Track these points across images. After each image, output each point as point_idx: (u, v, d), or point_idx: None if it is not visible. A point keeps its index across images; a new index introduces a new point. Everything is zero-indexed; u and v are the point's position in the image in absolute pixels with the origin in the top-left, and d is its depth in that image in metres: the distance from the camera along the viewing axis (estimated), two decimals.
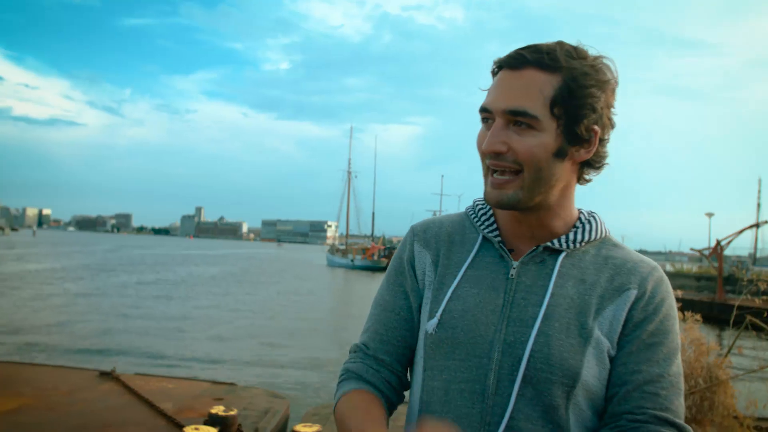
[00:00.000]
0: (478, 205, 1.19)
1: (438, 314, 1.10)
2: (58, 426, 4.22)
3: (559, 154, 1.02)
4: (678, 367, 1.05)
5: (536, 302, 1.06)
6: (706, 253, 25.51)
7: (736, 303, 5.19)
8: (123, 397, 4.97)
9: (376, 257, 60.63)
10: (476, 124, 1.10)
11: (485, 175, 1.07)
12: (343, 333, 16.69)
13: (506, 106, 1.00)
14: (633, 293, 1.05)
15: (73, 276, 30.87)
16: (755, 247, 50.33)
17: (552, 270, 1.07)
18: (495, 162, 1.03)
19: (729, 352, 4.83)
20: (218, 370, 10.21)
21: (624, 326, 1.05)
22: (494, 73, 1.07)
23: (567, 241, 1.09)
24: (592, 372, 1.03)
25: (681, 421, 1.02)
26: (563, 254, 1.08)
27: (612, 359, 1.06)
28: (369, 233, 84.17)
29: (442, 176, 79.89)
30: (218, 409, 3.93)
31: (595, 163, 1.08)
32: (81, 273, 33.16)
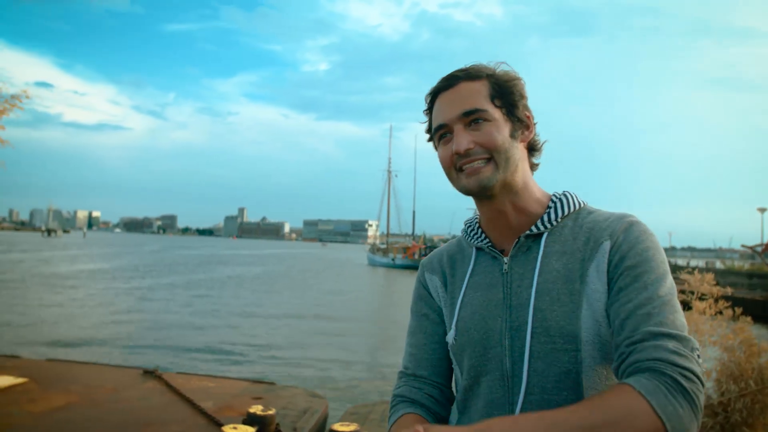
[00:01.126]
0: (467, 224, 1.34)
1: (453, 324, 1.24)
2: (103, 423, 4.32)
3: (513, 135, 1.18)
4: (669, 287, 1.08)
5: (529, 284, 1.16)
6: (759, 249, 24.63)
7: None
8: (165, 395, 5.06)
9: (416, 256, 60.51)
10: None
11: (455, 178, 1.20)
12: (384, 332, 16.70)
13: (460, 111, 1.17)
14: (607, 244, 1.13)
15: (124, 276, 31.77)
16: None
17: (538, 253, 1.18)
18: (466, 160, 1.16)
19: None
20: (258, 369, 10.33)
21: (608, 274, 1.11)
22: (431, 102, 1.24)
23: (544, 222, 1.20)
24: (593, 331, 1.10)
25: (678, 332, 1.02)
26: (545, 235, 1.19)
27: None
28: (410, 232, 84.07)
29: None
30: (257, 409, 3.96)
31: (536, 144, 1.25)
32: (131, 273, 34.10)
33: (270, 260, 63.93)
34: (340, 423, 4.07)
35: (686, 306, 4.62)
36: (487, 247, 1.24)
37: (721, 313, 4.46)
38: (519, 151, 1.19)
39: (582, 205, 1.23)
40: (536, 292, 1.13)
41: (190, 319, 16.72)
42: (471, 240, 1.29)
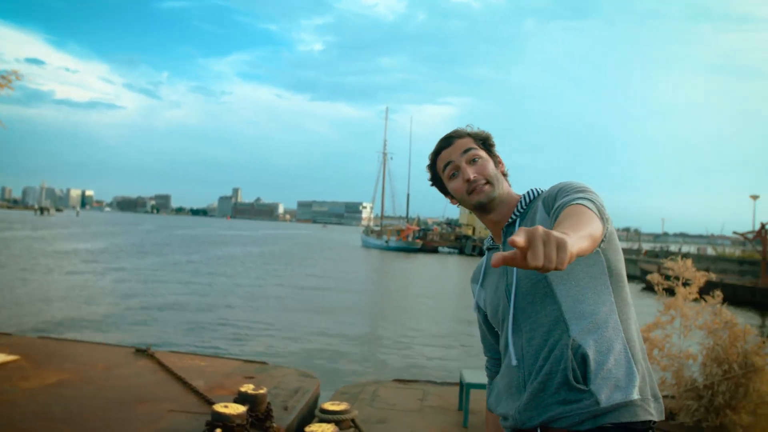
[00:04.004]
0: (486, 241, 1.78)
1: (484, 305, 1.73)
2: (97, 400, 4.36)
3: (496, 166, 1.68)
4: (580, 186, 1.46)
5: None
6: (750, 236, 24.78)
7: None
8: (157, 373, 5.10)
9: (410, 238, 60.56)
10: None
11: (468, 199, 1.65)
12: (377, 314, 16.79)
13: (461, 150, 1.65)
14: (540, 200, 1.56)
15: (120, 254, 31.74)
16: None
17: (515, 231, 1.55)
18: (474, 185, 1.63)
19: None
20: (250, 349, 10.38)
21: (548, 212, 1.50)
22: (434, 160, 1.72)
23: (515, 212, 1.63)
24: None
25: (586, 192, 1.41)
26: (518, 221, 1.61)
27: None
28: (404, 215, 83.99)
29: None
30: (248, 388, 3.99)
31: (506, 174, 1.72)
32: (127, 252, 34.07)
33: (266, 241, 63.92)
34: (331, 402, 4.11)
35: (671, 292, 4.69)
36: (491, 244, 1.73)
37: (703, 298, 4.52)
38: (500, 176, 1.68)
39: (542, 192, 1.62)
40: (515, 269, 1.52)
41: (183, 298, 16.75)
42: (486, 245, 1.76)
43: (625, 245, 65.91)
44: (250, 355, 8.01)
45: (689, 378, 4.38)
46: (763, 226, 22.99)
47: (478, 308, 1.78)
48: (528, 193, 1.67)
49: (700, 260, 33.23)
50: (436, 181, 1.74)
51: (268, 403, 4.00)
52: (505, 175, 1.73)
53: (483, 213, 1.67)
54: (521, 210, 1.62)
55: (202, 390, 4.54)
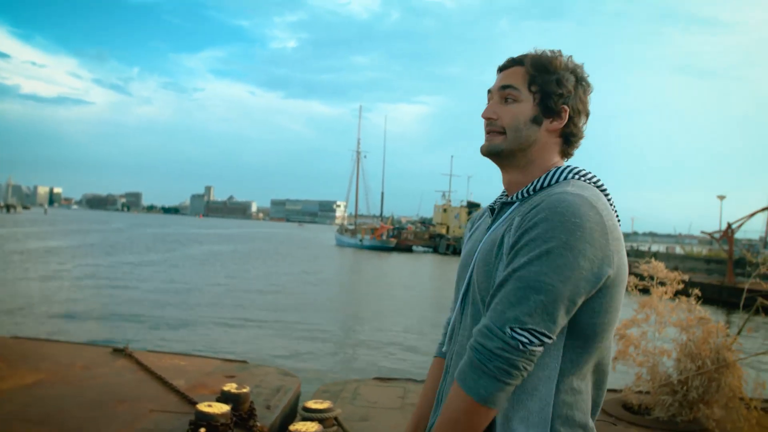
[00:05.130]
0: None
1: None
2: (75, 400, 4.31)
3: (535, 121, 1.35)
4: (530, 273, 1.16)
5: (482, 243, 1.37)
6: (717, 236, 25.37)
7: (746, 286, 5.17)
8: (136, 373, 5.06)
9: (384, 237, 60.65)
10: (485, 103, 1.45)
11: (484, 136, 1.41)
12: (351, 313, 16.80)
13: (500, 84, 1.39)
14: (517, 220, 1.25)
15: (90, 253, 31.21)
16: (767, 231, 49.88)
17: (502, 217, 1.36)
18: (488, 126, 1.38)
19: (740, 332, 4.81)
20: (229, 348, 10.33)
21: (509, 250, 1.24)
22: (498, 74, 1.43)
23: (519, 194, 1.35)
24: None
25: (500, 314, 1.17)
26: (515, 204, 1.33)
27: None
28: (378, 213, 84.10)
29: (452, 157, 79.16)
30: (231, 387, 3.98)
31: (571, 137, 1.39)
32: (100, 250, 33.51)
33: (240, 239, 63.39)
34: (313, 401, 4.13)
35: (646, 291, 4.81)
36: (488, 207, 1.49)
37: (677, 296, 4.65)
38: (538, 134, 1.36)
39: (567, 178, 1.32)
40: (479, 250, 1.35)
41: (158, 296, 16.57)
42: (499, 200, 1.46)
43: None
44: (227, 354, 7.97)
45: (664, 374, 4.49)
46: (729, 225, 23.56)
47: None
48: (554, 171, 1.34)
49: (669, 259, 33.90)
50: None
51: (251, 402, 4.00)
52: (571, 138, 1.39)
53: (496, 163, 1.42)
54: (527, 194, 1.33)
55: (183, 389, 4.51)
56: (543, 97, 1.34)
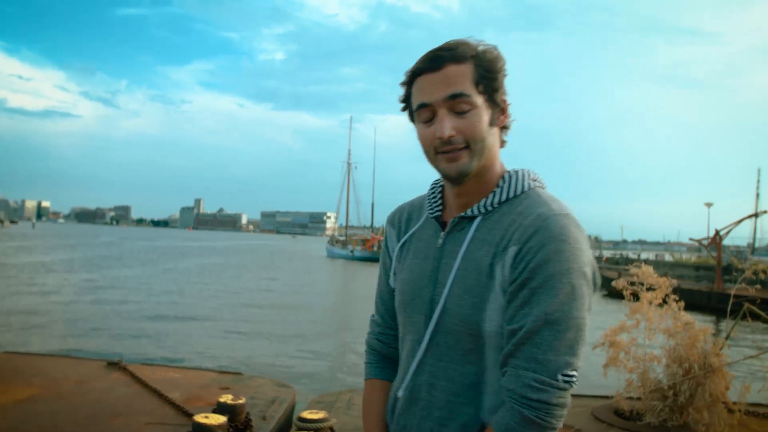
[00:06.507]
0: (432, 186, 1.39)
1: (393, 282, 1.41)
2: (70, 415, 4.30)
3: (491, 123, 1.22)
4: (558, 310, 1.10)
5: (452, 266, 1.24)
6: (705, 243, 25.57)
7: (732, 291, 5.25)
8: (131, 386, 5.05)
9: (375, 248, 60.56)
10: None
11: (434, 159, 1.24)
12: (343, 323, 16.78)
13: (446, 93, 1.17)
14: (513, 250, 1.15)
15: (81, 268, 31.00)
16: (754, 237, 50.40)
17: (467, 235, 1.24)
18: (447, 147, 1.20)
19: (728, 337, 4.88)
20: (223, 360, 10.32)
21: (509, 281, 1.16)
22: (409, 82, 1.25)
23: (480, 207, 1.24)
24: (496, 324, 1.18)
25: (542, 361, 1.11)
26: (478, 219, 1.23)
27: None
28: (368, 224, 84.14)
29: None
30: (227, 398, 4.00)
31: (507, 125, 1.29)
32: (90, 264, 33.29)
33: (231, 252, 63.13)
34: (309, 411, 4.15)
35: (636, 297, 4.88)
36: (433, 218, 1.33)
37: (665, 302, 4.72)
38: (494, 136, 1.24)
39: (530, 187, 1.25)
40: (454, 277, 1.22)
41: (152, 309, 16.52)
42: (429, 206, 1.36)
43: None
44: (221, 366, 7.96)
45: (654, 379, 4.56)
46: (717, 232, 23.76)
47: (390, 261, 1.44)
48: (512, 180, 1.26)
49: (659, 266, 34.13)
50: (408, 106, 1.29)
51: (248, 413, 4.03)
52: (505, 128, 1.29)
53: (448, 182, 1.29)
54: (489, 207, 1.24)
55: (178, 402, 4.52)
56: (491, 94, 1.22)
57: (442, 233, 1.29)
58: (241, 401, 4.02)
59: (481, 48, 1.21)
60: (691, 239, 29.34)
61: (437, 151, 1.21)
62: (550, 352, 1.10)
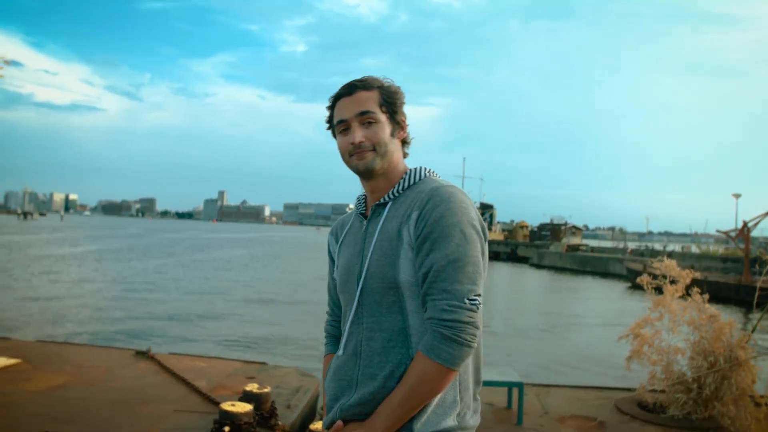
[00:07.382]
0: (359, 197, 1.71)
1: (335, 274, 1.71)
2: (100, 401, 4.43)
3: (392, 134, 1.60)
4: (454, 249, 1.42)
5: (372, 240, 1.56)
6: (733, 234, 25.16)
7: (758, 284, 5.17)
8: (159, 375, 5.18)
9: None
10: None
11: (348, 161, 1.59)
12: None
13: (357, 110, 1.56)
14: (415, 214, 1.49)
15: (110, 258, 31.55)
16: None
17: (382, 217, 1.58)
18: (358, 150, 1.56)
19: (754, 330, 4.81)
20: (248, 350, 10.45)
21: (415, 238, 1.48)
22: (333, 104, 1.62)
23: (389, 195, 1.59)
24: (409, 275, 1.48)
25: (450, 288, 1.41)
26: (389, 204, 1.58)
27: None
28: None
29: (464, 159, 78.98)
30: (252, 387, 4.09)
31: (407, 140, 1.66)
32: (116, 256, 33.86)
33: (255, 244, 63.73)
34: None
35: (659, 290, 4.85)
36: (358, 212, 1.69)
37: (689, 294, 4.68)
38: (395, 145, 1.61)
39: (426, 176, 1.62)
40: (373, 247, 1.54)
41: (180, 299, 16.76)
42: (356, 207, 1.71)
43: (610, 244, 66.48)
44: (245, 356, 8.08)
45: (678, 372, 4.53)
46: (745, 224, 23.37)
47: (333, 262, 1.77)
48: (412, 173, 1.63)
49: (685, 258, 33.67)
50: (331, 126, 1.66)
51: (273, 402, 4.11)
52: (405, 142, 1.67)
53: (362, 179, 1.63)
54: (396, 194, 1.59)
55: (205, 390, 4.62)
56: (392, 114, 1.60)
57: (365, 221, 1.63)
58: (266, 390, 4.10)
59: (386, 83, 1.61)
60: (718, 231, 28.88)
61: (351, 153, 1.57)
62: (456, 282, 1.41)
